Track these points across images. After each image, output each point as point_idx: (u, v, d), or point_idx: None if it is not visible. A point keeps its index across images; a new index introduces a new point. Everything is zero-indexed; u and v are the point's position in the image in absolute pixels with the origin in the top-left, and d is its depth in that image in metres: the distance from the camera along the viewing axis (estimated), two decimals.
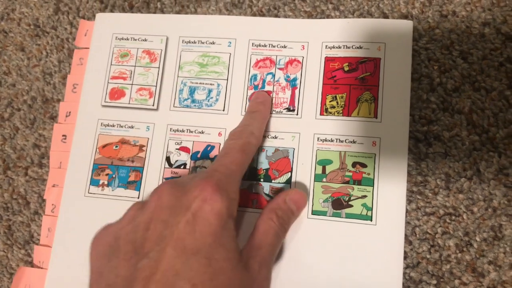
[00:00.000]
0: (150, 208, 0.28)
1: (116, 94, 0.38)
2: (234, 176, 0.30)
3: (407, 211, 0.33)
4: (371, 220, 0.33)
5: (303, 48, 0.37)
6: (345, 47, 0.36)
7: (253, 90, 0.36)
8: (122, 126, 0.38)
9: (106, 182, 0.37)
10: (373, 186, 0.33)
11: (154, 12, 0.40)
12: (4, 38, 0.43)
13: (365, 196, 0.33)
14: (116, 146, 0.37)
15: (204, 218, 0.26)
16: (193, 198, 0.27)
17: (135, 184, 0.36)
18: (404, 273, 0.32)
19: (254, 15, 0.39)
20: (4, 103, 0.41)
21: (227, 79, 0.37)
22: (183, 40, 0.38)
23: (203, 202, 0.27)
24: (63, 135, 0.39)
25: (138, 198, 0.36)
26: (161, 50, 0.38)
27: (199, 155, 0.36)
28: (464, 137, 0.33)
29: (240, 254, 0.27)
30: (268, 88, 0.36)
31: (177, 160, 0.36)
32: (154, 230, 0.26)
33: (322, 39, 0.36)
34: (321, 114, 0.35)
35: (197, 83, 0.38)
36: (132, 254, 0.26)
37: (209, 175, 0.29)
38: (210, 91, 0.37)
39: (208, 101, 0.37)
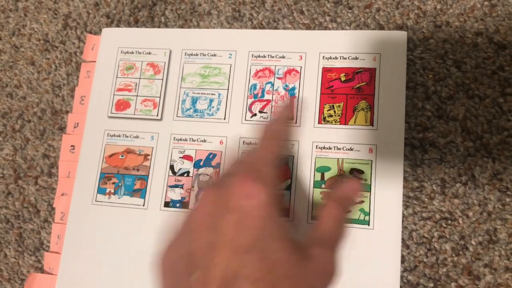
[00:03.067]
0: (195, 220, 0.27)
1: (122, 105, 0.40)
2: (270, 164, 0.29)
3: (404, 216, 0.34)
4: (369, 225, 0.34)
5: (301, 58, 0.38)
6: (341, 57, 0.37)
7: (252, 99, 0.38)
8: (127, 136, 0.39)
9: (112, 191, 0.38)
10: (370, 192, 0.34)
11: (158, 26, 0.42)
12: (15, 52, 0.45)
13: (362, 202, 0.34)
14: (122, 156, 0.39)
15: (251, 214, 0.26)
16: (236, 198, 0.26)
17: (141, 192, 0.38)
18: (402, 277, 0.33)
19: (254, 28, 0.40)
20: (15, 115, 0.43)
21: (228, 89, 0.38)
22: (185, 53, 0.40)
23: (245, 199, 0.26)
24: (71, 146, 0.40)
25: (144, 205, 0.37)
26: (165, 62, 0.40)
27: (201, 163, 0.37)
28: (459, 144, 0.34)
29: (294, 241, 0.26)
30: (267, 97, 0.38)
31: (180, 168, 0.37)
32: (202, 240, 0.26)
33: (320, 50, 0.38)
34: (319, 122, 0.36)
35: (199, 93, 0.39)
36: (186, 269, 0.26)
37: (245, 168, 0.28)
38: (211, 100, 0.38)
39: (210, 110, 0.38)
